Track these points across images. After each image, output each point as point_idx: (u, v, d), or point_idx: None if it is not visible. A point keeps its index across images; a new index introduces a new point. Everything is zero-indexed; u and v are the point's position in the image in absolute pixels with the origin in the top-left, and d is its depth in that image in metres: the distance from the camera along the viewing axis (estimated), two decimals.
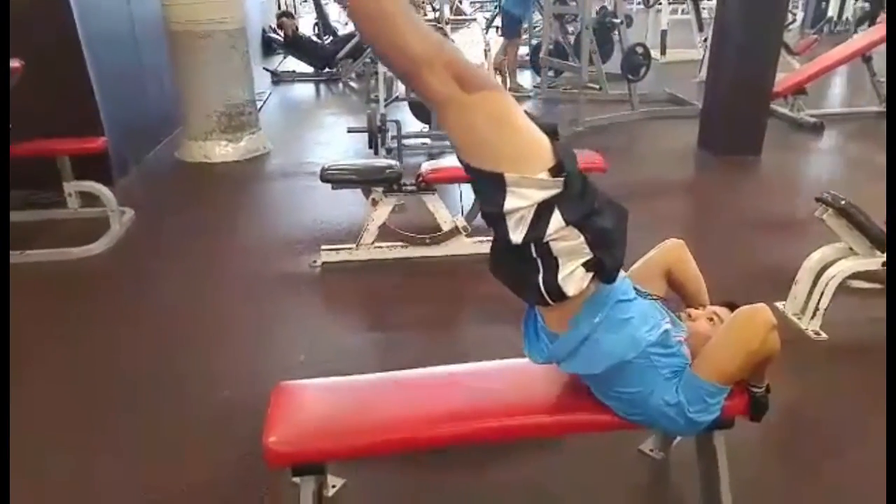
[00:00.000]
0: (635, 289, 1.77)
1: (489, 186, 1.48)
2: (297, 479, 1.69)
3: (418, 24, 1.46)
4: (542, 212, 1.47)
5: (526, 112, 1.57)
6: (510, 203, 1.46)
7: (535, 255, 1.52)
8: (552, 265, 1.53)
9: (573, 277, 1.54)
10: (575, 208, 1.49)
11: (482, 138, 1.47)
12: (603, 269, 1.56)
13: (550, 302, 1.59)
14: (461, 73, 1.43)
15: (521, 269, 1.56)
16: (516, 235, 1.50)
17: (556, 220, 1.48)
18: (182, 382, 2.68)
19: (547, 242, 1.50)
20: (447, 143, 6.18)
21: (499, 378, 1.89)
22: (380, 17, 1.42)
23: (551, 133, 1.56)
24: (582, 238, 1.51)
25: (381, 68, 6.02)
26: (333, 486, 2.09)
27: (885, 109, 6.63)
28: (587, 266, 1.54)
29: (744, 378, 1.69)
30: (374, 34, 1.45)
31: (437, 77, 1.42)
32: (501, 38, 8.72)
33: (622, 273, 1.72)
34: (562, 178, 1.46)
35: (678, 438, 2.17)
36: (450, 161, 4.25)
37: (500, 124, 1.46)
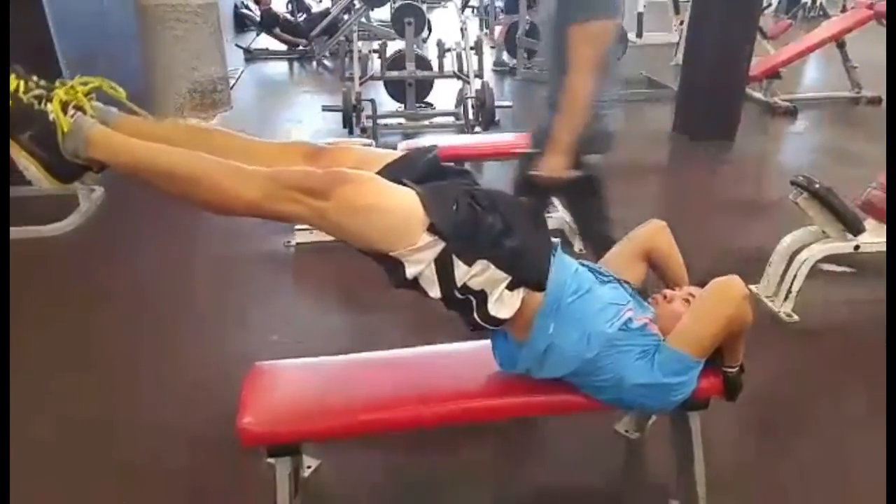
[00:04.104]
0: (596, 272, 1.77)
1: (386, 264, 1.52)
2: (272, 461, 1.67)
3: (234, 170, 1.47)
4: (442, 265, 1.51)
5: (405, 151, 1.65)
6: (411, 271, 1.50)
7: (461, 297, 1.55)
8: (482, 298, 1.56)
9: (502, 302, 1.58)
10: (471, 248, 1.52)
11: (354, 232, 1.49)
12: (527, 283, 1.59)
13: (493, 328, 1.64)
14: (307, 186, 1.44)
15: (459, 309, 1.60)
16: (434, 292, 1.54)
17: (459, 266, 1.51)
18: (155, 363, 2.64)
19: (464, 284, 1.53)
20: (423, 122, 6.14)
21: (472, 359, 1.88)
22: (200, 191, 1.46)
23: (429, 167, 1.62)
24: (493, 266, 1.53)
25: (356, 46, 5.94)
26: (309, 467, 2.08)
27: (857, 94, 6.72)
28: (510, 287, 1.57)
29: (719, 347, 1.69)
30: (206, 204, 1.49)
31: (285, 203, 1.44)
32: (477, 19, 8.65)
33: (574, 265, 1.73)
34: (438, 236, 1.49)
35: (653, 418, 2.19)
36: (427, 140, 4.22)
37: (364, 214, 1.47)
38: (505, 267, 1.55)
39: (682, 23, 8.13)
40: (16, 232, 3.61)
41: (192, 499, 2.04)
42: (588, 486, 2.14)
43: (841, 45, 6.63)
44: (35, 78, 1.49)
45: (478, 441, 2.22)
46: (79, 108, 1.50)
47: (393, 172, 1.59)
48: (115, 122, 1.59)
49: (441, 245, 1.50)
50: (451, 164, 1.85)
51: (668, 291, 1.84)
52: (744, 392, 1.76)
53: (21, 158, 1.47)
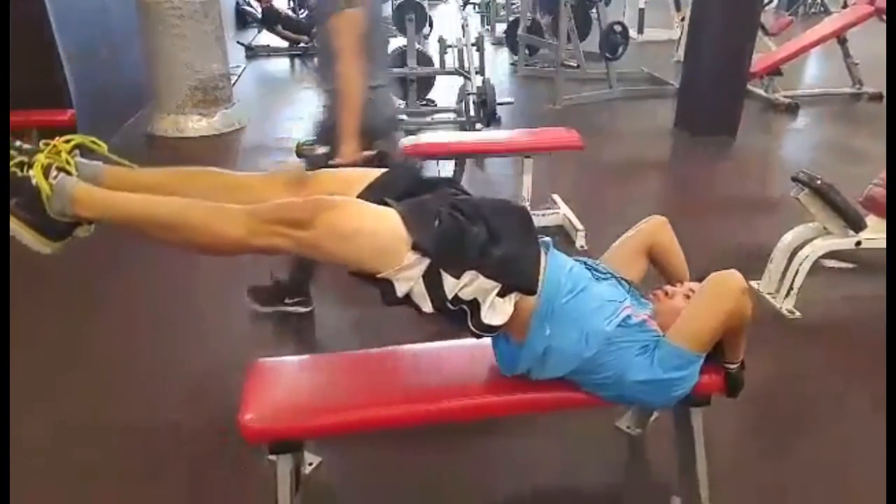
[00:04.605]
0: (593, 269, 1.77)
1: (377, 284, 1.54)
2: (273, 458, 1.67)
3: (219, 211, 1.49)
4: (430, 280, 1.53)
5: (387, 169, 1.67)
6: (401, 288, 1.53)
7: (454, 308, 1.56)
8: (475, 307, 1.57)
9: (494, 309, 1.58)
10: (457, 261, 1.53)
11: (343, 257, 1.52)
12: (517, 289, 1.60)
13: (489, 335, 1.65)
14: (289, 218, 1.47)
15: (454, 321, 1.61)
16: (426, 307, 1.56)
17: (448, 280, 1.53)
18: (155, 361, 2.64)
19: (455, 296, 1.54)
20: (425, 119, 6.13)
21: (473, 356, 1.88)
22: (197, 236, 1.49)
23: (412, 181, 1.67)
24: (481, 276, 1.54)
25: None
26: (310, 464, 2.08)
27: (858, 91, 6.71)
28: (501, 293, 1.58)
29: (720, 343, 1.69)
30: (204, 248, 1.52)
31: (270, 237, 1.47)
32: (478, 15, 8.62)
33: (570, 262, 1.73)
34: (422, 253, 1.50)
35: (655, 415, 2.19)
36: (429, 137, 4.22)
37: (349, 239, 1.49)
38: (493, 275, 1.55)
39: (683, 19, 8.11)
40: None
41: (193, 498, 2.04)
42: (590, 483, 2.14)
43: (842, 42, 6.62)
44: (17, 143, 1.52)
45: (481, 438, 2.23)
46: (62, 168, 1.52)
47: (376, 192, 1.61)
48: (102, 177, 1.60)
49: (427, 261, 1.51)
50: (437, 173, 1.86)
51: (668, 287, 1.84)
52: (745, 389, 1.76)
53: (11, 224, 1.50)
